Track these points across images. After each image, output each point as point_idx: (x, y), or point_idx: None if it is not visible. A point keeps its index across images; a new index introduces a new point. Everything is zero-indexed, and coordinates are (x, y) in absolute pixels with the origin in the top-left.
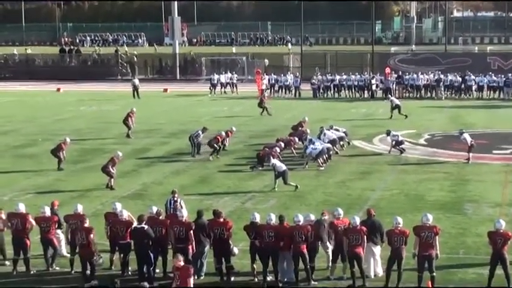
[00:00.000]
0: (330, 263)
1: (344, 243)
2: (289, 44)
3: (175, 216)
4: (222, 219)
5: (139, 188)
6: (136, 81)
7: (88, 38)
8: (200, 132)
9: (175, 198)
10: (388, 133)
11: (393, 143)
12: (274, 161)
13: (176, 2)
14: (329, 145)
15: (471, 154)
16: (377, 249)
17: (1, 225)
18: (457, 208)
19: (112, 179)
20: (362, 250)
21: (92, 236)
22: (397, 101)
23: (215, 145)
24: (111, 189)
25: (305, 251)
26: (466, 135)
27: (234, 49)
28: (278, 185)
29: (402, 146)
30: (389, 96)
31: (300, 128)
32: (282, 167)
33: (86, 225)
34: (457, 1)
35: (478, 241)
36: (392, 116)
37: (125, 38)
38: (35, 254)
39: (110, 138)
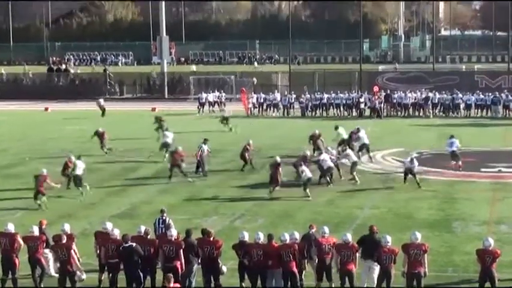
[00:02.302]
0: (316, 281)
1: (336, 260)
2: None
3: (164, 236)
4: (211, 238)
5: (127, 207)
6: (101, 101)
7: (72, 58)
8: (203, 146)
9: (164, 218)
10: (358, 130)
11: (358, 145)
12: None
13: (164, 22)
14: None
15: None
16: (378, 267)
17: None
18: (445, 226)
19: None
20: (354, 267)
21: (73, 251)
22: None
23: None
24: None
25: (295, 269)
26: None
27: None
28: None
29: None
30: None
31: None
32: None
33: (64, 241)
34: None
35: (466, 259)
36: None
37: (113, 57)
38: (23, 273)
39: (98, 156)
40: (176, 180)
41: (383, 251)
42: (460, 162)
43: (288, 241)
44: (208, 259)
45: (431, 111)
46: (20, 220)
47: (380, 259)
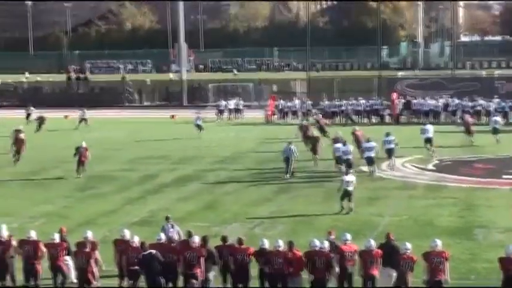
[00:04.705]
0: None
1: (360, 265)
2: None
3: (186, 243)
4: (243, 246)
5: (146, 214)
6: (32, 108)
7: (90, 66)
8: (292, 147)
9: (170, 223)
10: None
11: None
12: None
13: (183, 29)
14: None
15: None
16: (396, 274)
17: (12, 252)
18: (467, 234)
19: None
20: (377, 272)
21: (92, 260)
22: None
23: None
24: None
25: (327, 277)
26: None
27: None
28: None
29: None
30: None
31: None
32: None
33: (87, 250)
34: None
35: (488, 267)
36: None
37: (131, 65)
38: (44, 281)
39: (117, 164)
40: (195, 188)
41: (401, 257)
42: (498, 137)
43: (317, 248)
44: (240, 266)
45: (451, 118)
46: (41, 228)
47: (398, 266)
